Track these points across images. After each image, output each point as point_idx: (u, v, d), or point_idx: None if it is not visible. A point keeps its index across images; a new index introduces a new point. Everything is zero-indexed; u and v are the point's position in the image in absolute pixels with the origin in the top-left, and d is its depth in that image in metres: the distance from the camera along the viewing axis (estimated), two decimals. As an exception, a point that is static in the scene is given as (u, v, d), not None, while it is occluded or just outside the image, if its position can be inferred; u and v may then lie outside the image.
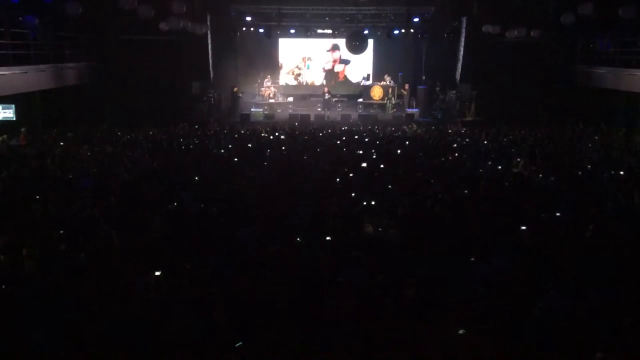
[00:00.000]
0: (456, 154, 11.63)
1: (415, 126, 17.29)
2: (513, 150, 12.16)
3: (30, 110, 15.67)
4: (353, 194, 7.80)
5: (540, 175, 9.34)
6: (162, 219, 6.56)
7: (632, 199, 7.59)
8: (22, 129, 13.08)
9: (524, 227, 6.33)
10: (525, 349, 3.90)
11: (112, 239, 5.89)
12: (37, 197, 7.53)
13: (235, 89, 20.77)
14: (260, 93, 21.27)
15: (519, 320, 4.22)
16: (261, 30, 20.48)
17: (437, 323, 4.08)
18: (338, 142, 13.45)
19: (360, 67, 22.58)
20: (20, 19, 14.40)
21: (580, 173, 9.55)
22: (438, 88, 21.16)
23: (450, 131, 16.28)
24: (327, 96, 21.14)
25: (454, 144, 13.38)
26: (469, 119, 19.54)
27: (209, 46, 19.59)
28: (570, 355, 3.86)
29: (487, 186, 8.44)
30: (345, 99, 21.90)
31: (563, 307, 4.33)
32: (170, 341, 4.01)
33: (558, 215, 6.88)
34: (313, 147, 12.44)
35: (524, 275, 5.01)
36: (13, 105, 14.09)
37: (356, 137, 14.46)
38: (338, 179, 8.91)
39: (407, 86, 21.48)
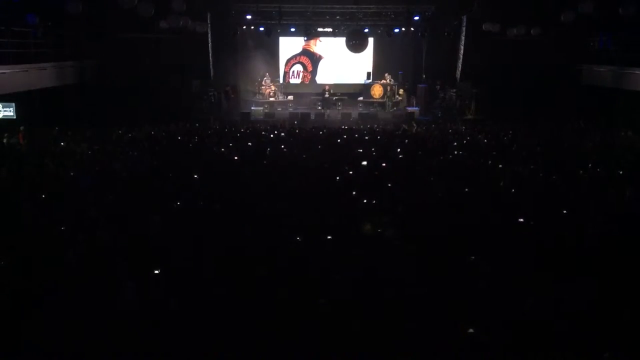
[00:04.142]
0: (456, 152, 11.63)
1: (415, 125, 17.29)
2: (513, 148, 12.17)
3: (31, 108, 15.65)
4: (353, 193, 7.81)
5: (541, 174, 9.34)
6: (162, 217, 6.56)
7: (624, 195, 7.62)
8: (21, 128, 13.06)
9: (521, 220, 6.38)
10: (528, 348, 3.90)
11: (111, 238, 5.89)
12: (36, 196, 7.53)
13: (228, 88, 20.75)
14: (261, 91, 21.26)
15: (521, 319, 4.22)
16: (261, 29, 20.47)
17: (438, 321, 4.08)
18: (338, 140, 13.45)
19: (360, 65, 22.53)
20: (21, 17, 14.40)
21: (581, 172, 9.55)
22: (438, 86, 21.16)
23: (450, 130, 16.28)
24: (327, 95, 21.12)
25: (454, 142, 13.38)
26: (469, 117, 19.55)
27: (209, 44, 19.58)
28: (576, 355, 3.86)
29: (488, 184, 8.46)
30: (346, 97, 21.88)
31: (564, 305, 4.33)
32: (169, 341, 4.01)
33: (558, 213, 6.89)
34: (313, 145, 12.44)
35: (525, 273, 5.01)
36: (13, 104, 14.08)
37: (356, 135, 14.46)
38: (338, 178, 8.91)
39: (402, 91, 21.35)
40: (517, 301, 4.44)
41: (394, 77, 21.50)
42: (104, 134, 14.17)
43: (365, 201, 7.30)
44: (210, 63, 19.82)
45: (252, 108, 20.51)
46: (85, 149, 11.60)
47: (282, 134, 14.63)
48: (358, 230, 6.23)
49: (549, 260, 5.30)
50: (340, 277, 4.77)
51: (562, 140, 13.58)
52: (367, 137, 13.98)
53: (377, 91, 21.37)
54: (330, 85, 21.75)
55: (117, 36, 18.31)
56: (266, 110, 20.38)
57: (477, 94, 19.63)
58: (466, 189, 8.19)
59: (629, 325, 4.06)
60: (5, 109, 14.11)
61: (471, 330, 3.82)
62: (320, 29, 21.32)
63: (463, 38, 19.94)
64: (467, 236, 5.90)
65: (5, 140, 12.48)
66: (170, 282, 4.82)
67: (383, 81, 21.41)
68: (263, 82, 21.20)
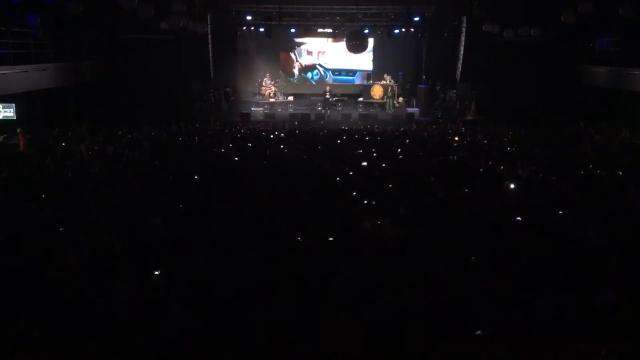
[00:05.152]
0: (455, 156, 11.62)
1: (415, 125, 17.31)
2: (513, 149, 12.17)
3: (31, 109, 15.67)
4: (353, 193, 7.80)
5: (541, 175, 9.34)
6: (163, 218, 6.55)
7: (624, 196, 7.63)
8: (18, 130, 12.99)
9: (519, 218, 6.40)
10: (527, 347, 3.89)
11: (112, 239, 5.88)
12: (37, 196, 7.53)
13: (227, 89, 20.78)
14: (261, 92, 21.27)
15: (521, 318, 4.22)
16: (261, 29, 20.49)
17: (439, 323, 4.07)
18: (338, 141, 13.45)
19: (360, 66, 22.55)
20: (21, 17, 14.41)
21: (582, 172, 9.55)
22: (438, 87, 21.18)
23: (450, 131, 16.30)
24: (327, 95, 21.13)
25: (454, 143, 13.39)
26: (469, 118, 19.56)
27: (209, 45, 19.60)
28: (573, 353, 3.86)
29: (488, 185, 8.46)
30: (346, 98, 21.90)
31: (564, 304, 4.33)
32: (169, 341, 4.01)
33: (558, 214, 6.89)
34: (313, 146, 12.44)
35: (525, 273, 5.01)
36: (13, 104, 14.09)
37: (356, 136, 14.47)
38: (338, 178, 8.90)
39: (401, 99, 21.27)
40: (518, 302, 4.44)
41: (394, 77, 21.50)
42: (104, 135, 14.17)
43: (365, 202, 7.29)
44: (211, 64, 19.84)
45: (252, 109, 20.53)
46: (85, 149, 11.60)
47: (282, 134, 14.64)
48: (358, 230, 6.23)
49: (548, 260, 5.30)
50: (342, 278, 4.77)
51: (562, 140, 13.57)
52: (367, 138, 13.99)
53: (377, 92, 21.37)
54: (331, 86, 21.76)
55: (117, 37, 18.34)
56: (266, 111, 20.40)
57: (477, 95, 19.64)
58: (466, 190, 8.19)
59: (627, 324, 4.06)
60: (5, 110, 14.12)
61: (479, 332, 3.80)
62: (320, 30, 21.34)
63: (463, 38, 19.96)
64: (467, 236, 5.90)
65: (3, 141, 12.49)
66: (171, 283, 4.82)
67: (383, 82, 21.42)
68: (263, 83, 21.21)
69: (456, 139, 14.11)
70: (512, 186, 8.02)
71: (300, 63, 22.63)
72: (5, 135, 12.79)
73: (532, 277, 4.94)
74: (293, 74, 22.74)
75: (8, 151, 11.67)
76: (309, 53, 22.61)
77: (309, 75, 22.78)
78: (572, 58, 18.98)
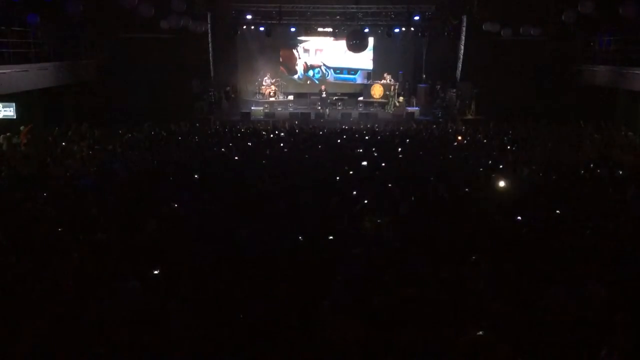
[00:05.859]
0: (456, 155, 11.63)
1: (415, 126, 17.30)
2: (513, 148, 12.18)
3: (31, 108, 15.66)
4: (354, 193, 7.80)
5: (541, 174, 9.35)
6: (162, 217, 6.55)
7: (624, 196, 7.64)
8: (21, 128, 13.02)
9: (519, 217, 6.40)
10: (528, 346, 3.90)
11: (111, 238, 5.88)
12: (37, 195, 7.53)
13: (228, 88, 20.77)
14: (261, 91, 21.26)
15: (522, 317, 4.23)
16: (261, 29, 20.48)
17: (439, 323, 4.08)
18: (338, 140, 13.45)
19: (360, 65, 22.53)
20: (21, 17, 14.41)
21: (582, 172, 9.55)
22: (438, 86, 21.16)
23: (450, 130, 16.30)
24: (323, 94, 21.06)
25: (454, 142, 13.40)
26: (469, 117, 19.55)
27: (210, 44, 19.59)
28: (573, 352, 3.87)
29: (488, 184, 8.46)
30: (345, 97, 21.88)
31: (565, 304, 4.34)
32: (169, 341, 4.01)
33: (558, 213, 6.90)
34: (313, 145, 12.44)
35: (526, 272, 5.01)
36: (13, 104, 14.08)
37: (356, 135, 14.47)
38: (338, 178, 8.91)
39: (402, 99, 21.18)
40: (519, 301, 4.45)
41: (394, 77, 21.48)
42: (104, 134, 14.17)
43: (365, 201, 7.29)
44: (211, 63, 19.83)
45: (252, 108, 20.51)
46: (86, 148, 11.60)
47: (282, 134, 14.64)
48: (358, 230, 6.23)
49: (548, 260, 5.30)
50: (342, 277, 4.77)
51: (562, 140, 13.58)
52: (367, 137, 13.99)
53: (377, 91, 21.34)
54: (328, 85, 21.72)
55: (117, 36, 18.32)
56: (266, 110, 20.38)
57: (477, 94, 19.63)
58: (466, 189, 8.20)
59: (627, 324, 4.07)
60: (5, 109, 14.10)
61: (480, 332, 3.79)
62: (320, 29, 21.32)
63: (463, 38, 19.94)
64: (467, 236, 5.90)
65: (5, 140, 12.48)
66: (170, 283, 4.82)
67: (383, 81, 21.39)
68: (263, 82, 21.18)
69: (459, 138, 14.13)
70: (509, 185, 8.03)
71: (305, 62, 22.58)
72: (8, 134, 12.79)
73: (533, 277, 4.95)
74: (296, 71, 22.70)
75: (8, 150, 11.67)
76: (306, 51, 22.57)
77: (310, 73, 22.77)
78: (572, 57, 18.97)
